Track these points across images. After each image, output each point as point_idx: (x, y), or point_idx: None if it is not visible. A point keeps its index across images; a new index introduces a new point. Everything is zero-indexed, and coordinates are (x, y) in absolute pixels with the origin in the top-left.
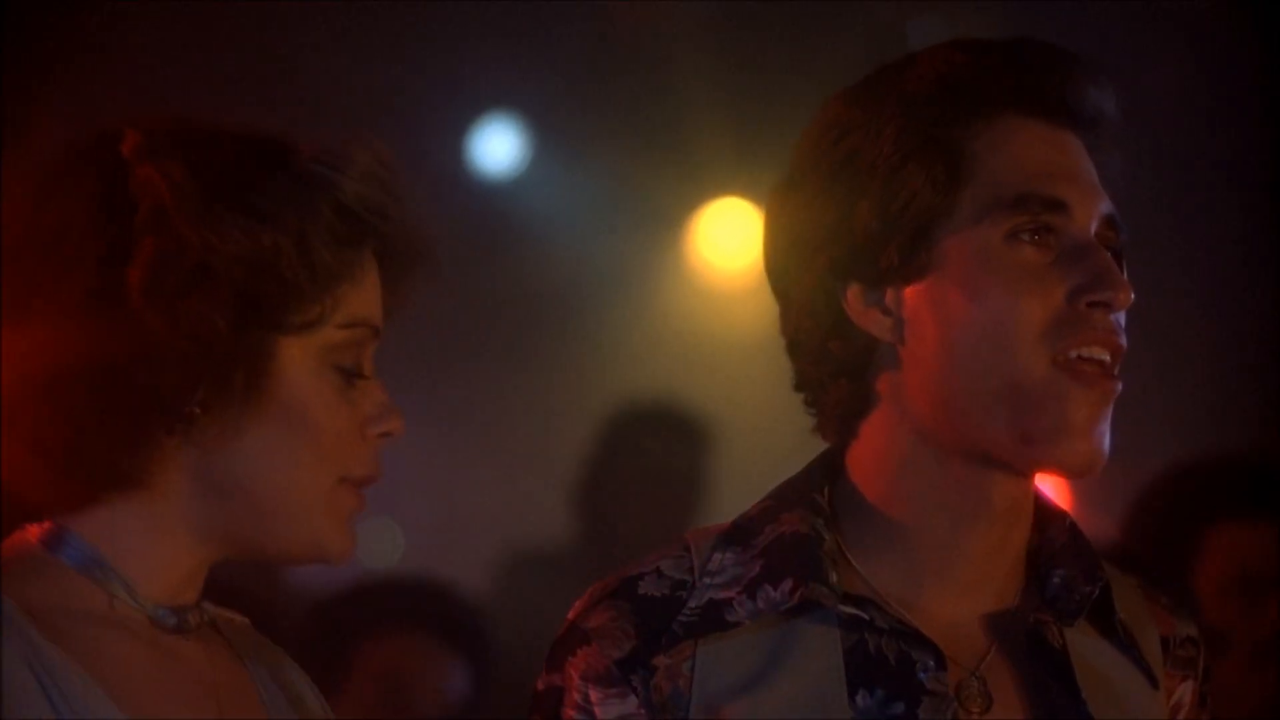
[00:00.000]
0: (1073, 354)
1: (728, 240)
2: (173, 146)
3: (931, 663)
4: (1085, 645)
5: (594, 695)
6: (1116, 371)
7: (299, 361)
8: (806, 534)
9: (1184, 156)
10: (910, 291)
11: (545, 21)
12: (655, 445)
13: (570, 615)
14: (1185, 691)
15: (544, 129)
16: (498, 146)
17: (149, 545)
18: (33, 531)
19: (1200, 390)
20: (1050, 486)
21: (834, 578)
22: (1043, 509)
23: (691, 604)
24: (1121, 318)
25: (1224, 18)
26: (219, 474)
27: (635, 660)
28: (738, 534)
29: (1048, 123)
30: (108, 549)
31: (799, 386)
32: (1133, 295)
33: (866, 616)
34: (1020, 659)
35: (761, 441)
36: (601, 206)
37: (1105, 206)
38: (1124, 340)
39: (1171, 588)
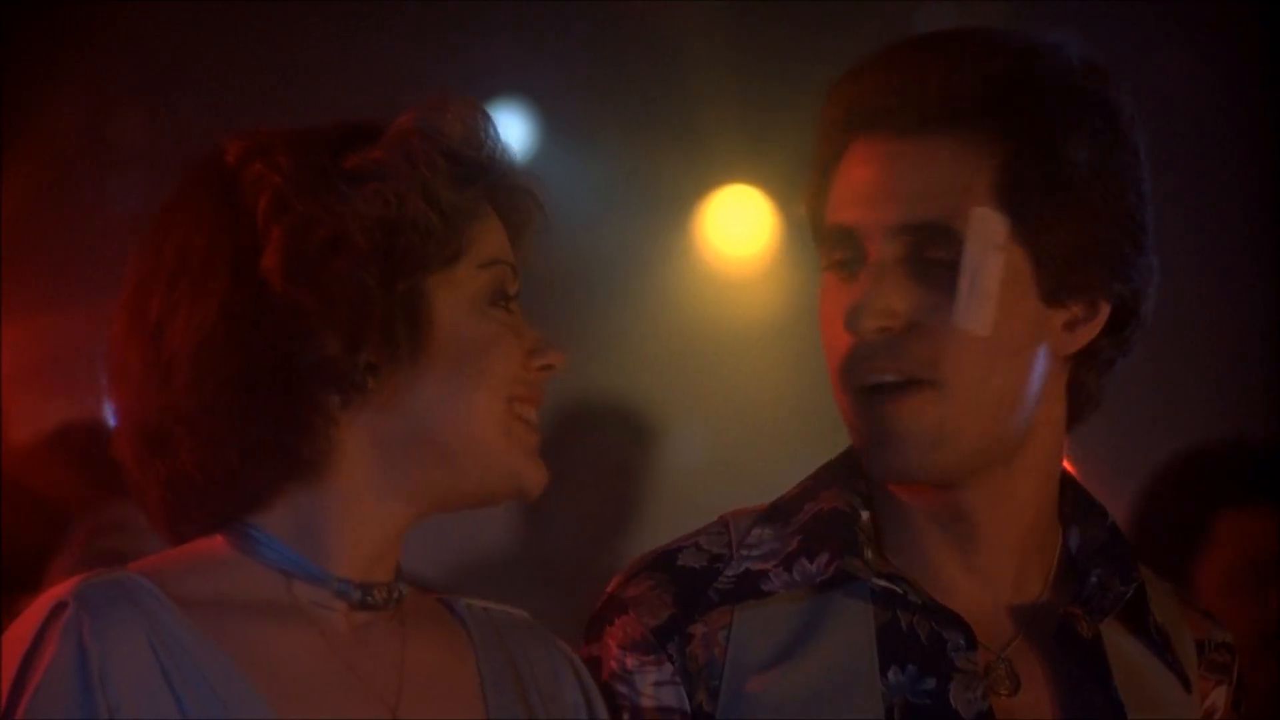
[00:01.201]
0: (850, 382)
1: (736, 227)
2: (276, 142)
3: (963, 641)
4: (1119, 642)
5: (630, 663)
6: (915, 374)
7: (453, 303)
8: (844, 510)
9: (1190, 146)
10: None
11: (554, 8)
12: (661, 431)
13: (609, 588)
14: (1219, 696)
15: (553, 116)
16: (506, 133)
17: (335, 525)
18: (218, 534)
19: (1205, 379)
20: None
21: (869, 554)
22: (1081, 507)
23: (728, 573)
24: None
25: (1228, 14)
26: (399, 432)
27: (672, 628)
28: (776, 513)
29: (884, 137)
30: (293, 538)
31: None
32: (876, 320)
33: (900, 590)
34: (1048, 648)
35: (773, 427)
36: (610, 193)
37: (895, 217)
38: (905, 363)
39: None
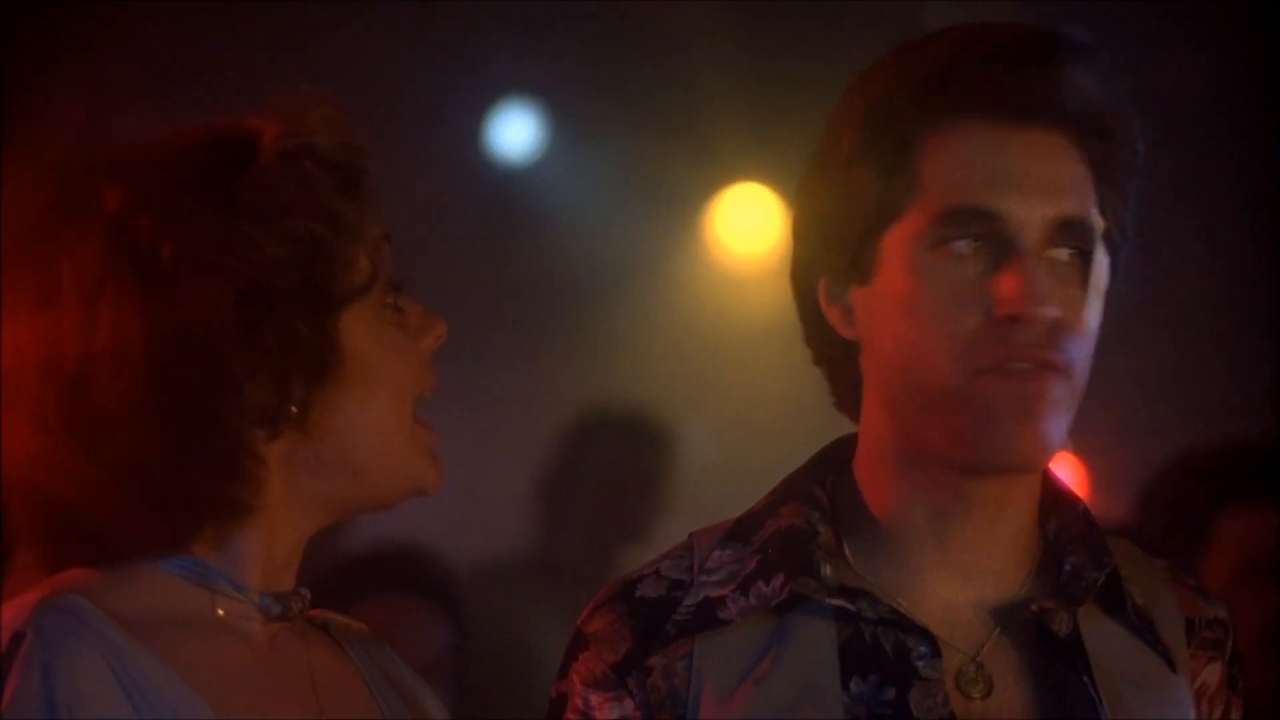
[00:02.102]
0: (990, 369)
1: (745, 225)
2: (157, 184)
3: (925, 649)
4: (1098, 630)
5: (593, 699)
6: (1059, 362)
7: (361, 317)
8: (801, 528)
9: (1193, 146)
10: (861, 293)
11: (561, 6)
12: (669, 432)
13: (578, 622)
14: (1211, 673)
15: (560, 114)
16: (514, 132)
17: (252, 542)
18: None
19: (1207, 377)
20: (1065, 474)
21: (827, 570)
22: (1056, 498)
23: (686, 602)
24: (1073, 325)
25: (1229, 14)
26: (314, 453)
27: (630, 662)
28: (739, 530)
29: (1007, 125)
30: (209, 553)
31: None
32: (1053, 311)
33: (854, 608)
34: (1024, 645)
35: (782, 425)
36: (618, 192)
37: (1054, 210)
38: (1056, 352)
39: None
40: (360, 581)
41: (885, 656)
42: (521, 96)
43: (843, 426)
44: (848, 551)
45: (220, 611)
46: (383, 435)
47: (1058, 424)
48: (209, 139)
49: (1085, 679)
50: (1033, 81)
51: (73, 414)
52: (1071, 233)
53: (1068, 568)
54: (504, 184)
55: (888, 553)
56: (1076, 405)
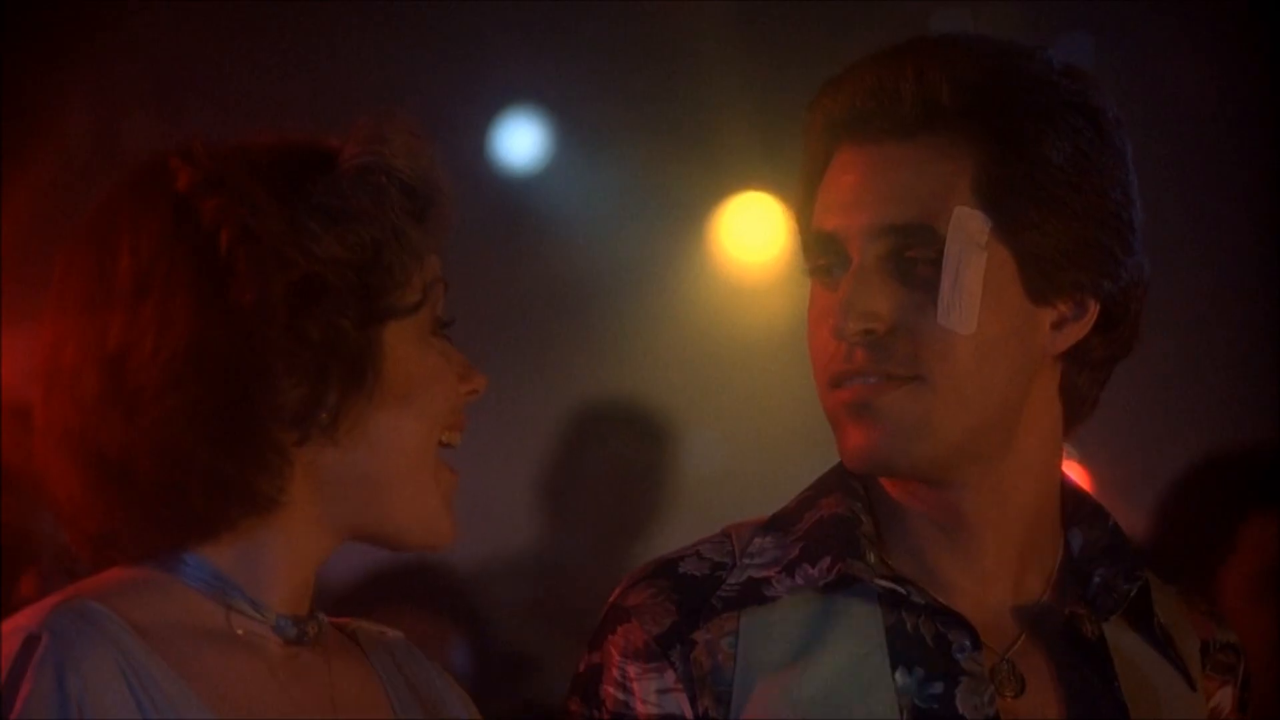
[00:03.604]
0: (833, 383)
1: (751, 234)
2: (229, 170)
3: (968, 643)
4: (1124, 641)
5: (632, 671)
6: (886, 370)
7: (405, 338)
8: (845, 516)
9: (1200, 144)
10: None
11: (568, 15)
12: (674, 439)
13: (611, 598)
14: (1225, 697)
15: (567, 123)
16: (521, 140)
17: (272, 557)
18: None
19: (1223, 385)
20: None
21: (871, 557)
22: (1082, 510)
23: (731, 581)
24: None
25: (1230, 14)
26: (342, 467)
27: (674, 635)
28: (777, 522)
29: (865, 144)
30: (228, 566)
31: None
32: (865, 323)
33: (904, 591)
34: (1053, 648)
35: (787, 433)
36: (624, 200)
37: (873, 218)
38: (883, 361)
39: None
40: (367, 585)
41: (927, 647)
42: (529, 105)
43: None
44: (887, 543)
45: (239, 630)
46: (408, 459)
47: (898, 432)
48: (290, 144)
49: (1113, 685)
50: (885, 96)
51: (109, 384)
52: (905, 237)
53: (1097, 579)
54: (511, 192)
55: (917, 550)
56: (962, 411)
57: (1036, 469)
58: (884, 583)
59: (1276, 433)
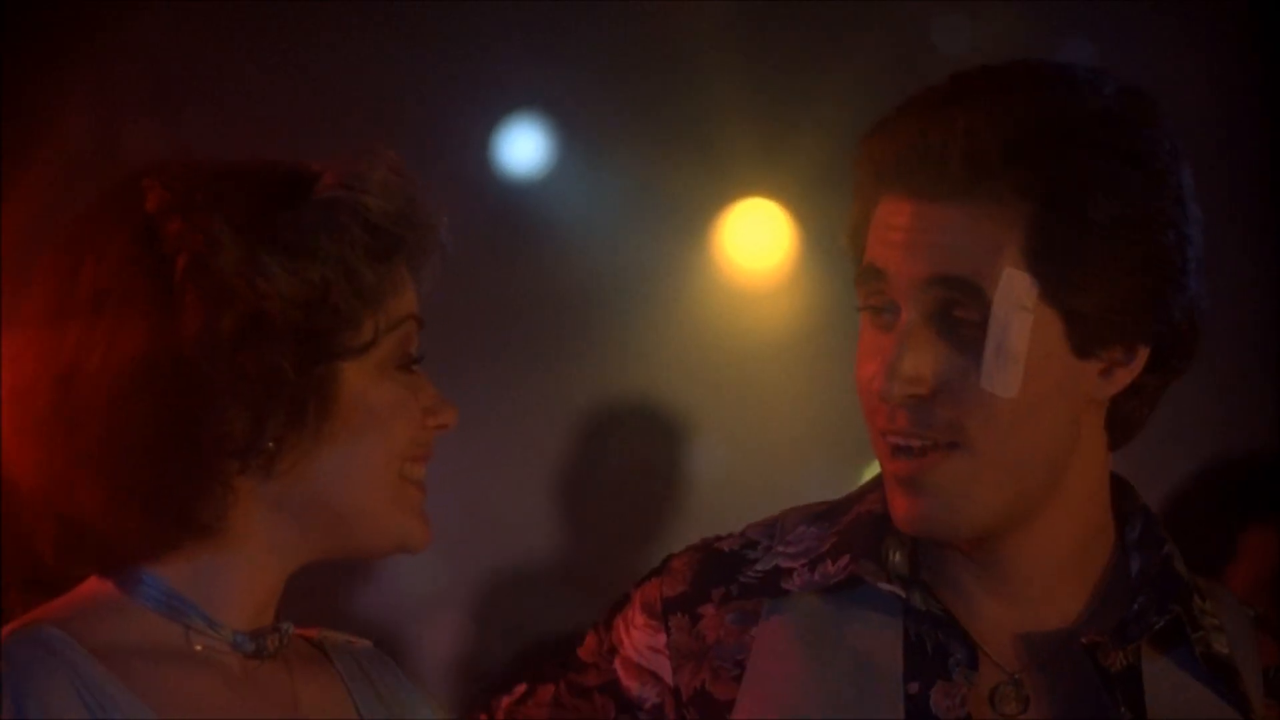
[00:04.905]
0: (880, 433)
1: (754, 241)
2: (197, 195)
3: (961, 657)
4: (1161, 674)
5: (638, 619)
6: (922, 445)
7: (362, 376)
8: (879, 513)
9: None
10: None
11: (571, 20)
12: (678, 446)
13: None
14: None
15: (569, 129)
16: (523, 146)
17: (227, 577)
18: (109, 579)
19: (1223, 391)
20: None
21: (896, 557)
22: (1147, 536)
23: (757, 566)
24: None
25: (1230, 15)
26: (295, 497)
27: (680, 604)
28: (829, 511)
29: (911, 198)
30: (184, 586)
31: None
32: (904, 389)
33: (904, 595)
34: (1071, 674)
35: (791, 439)
36: (627, 206)
37: (926, 269)
38: (924, 430)
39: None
40: (372, 590)
41: (925, 654)
42: (532, 111)
43: (850, 438)
44: (919, 549)
45: (198, 646)
46: (363, 490)
47: (944, 504)
48: (266, 171)
49: (1140, 714)
50: (933, 154)
51: (59, 398)
52: (953, 293)
53: (1135, 607)
54: (514, 199)
55: (944, 564)
56: (1006, 477)
57: (1082, 504)
58: (887, 586)
59: (1277, 440)
